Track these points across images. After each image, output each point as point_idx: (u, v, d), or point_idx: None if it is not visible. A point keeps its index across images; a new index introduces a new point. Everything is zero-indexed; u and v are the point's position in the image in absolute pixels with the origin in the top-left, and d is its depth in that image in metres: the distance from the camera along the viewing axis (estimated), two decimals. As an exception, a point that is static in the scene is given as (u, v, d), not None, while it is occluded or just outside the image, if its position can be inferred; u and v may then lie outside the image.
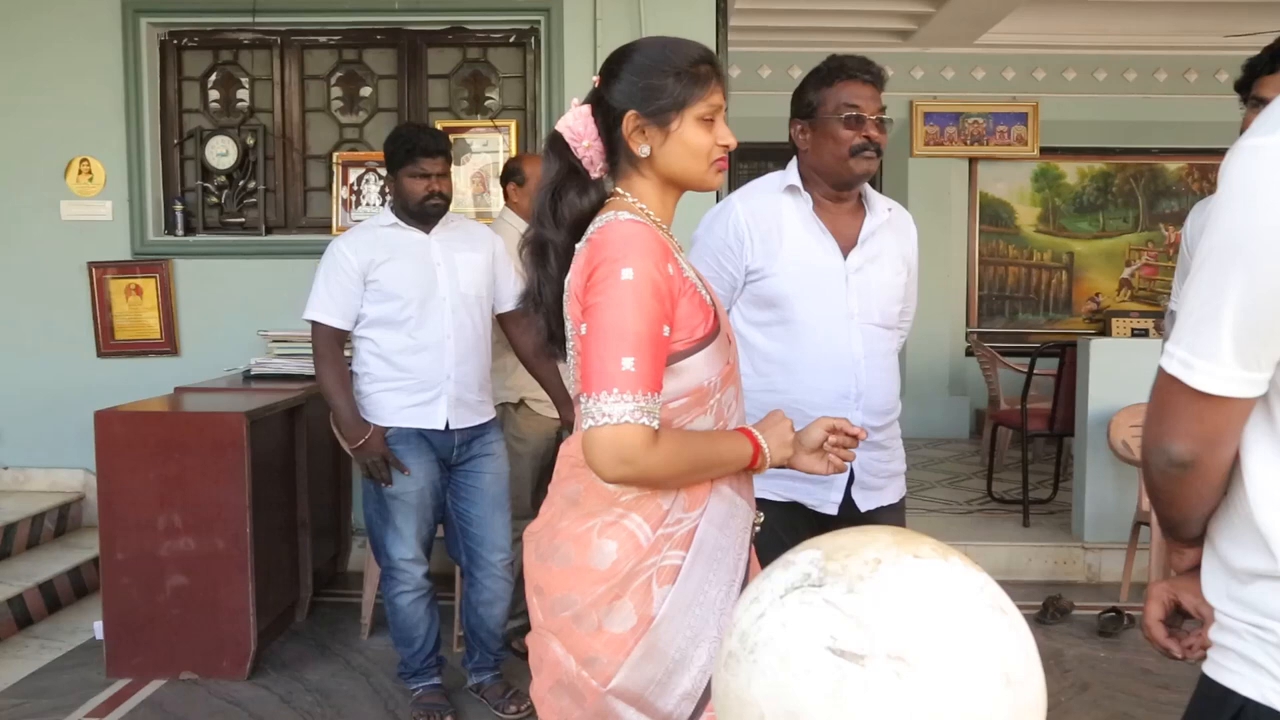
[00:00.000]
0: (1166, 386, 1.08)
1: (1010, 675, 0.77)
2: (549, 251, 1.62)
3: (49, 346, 4.71)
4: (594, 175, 1.62)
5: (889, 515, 2.44)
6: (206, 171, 4.77)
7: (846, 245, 2.33)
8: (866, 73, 2.26)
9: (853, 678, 0.75)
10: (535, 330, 1.68)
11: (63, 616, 3.94)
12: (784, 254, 2.32)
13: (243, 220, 4.82)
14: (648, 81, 1.56)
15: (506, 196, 3.75)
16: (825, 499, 2.33)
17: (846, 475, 2.33)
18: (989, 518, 5.02)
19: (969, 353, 7.22)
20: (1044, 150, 7.35)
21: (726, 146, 1.61)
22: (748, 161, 8.09)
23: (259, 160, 4.77)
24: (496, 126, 4.81)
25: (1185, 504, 1.17)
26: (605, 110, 1.58)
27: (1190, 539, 1.22)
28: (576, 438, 1.55)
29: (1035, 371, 5.09)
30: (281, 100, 4.82)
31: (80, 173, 4.68)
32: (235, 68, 4.84)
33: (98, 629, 3.50)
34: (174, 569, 3.37)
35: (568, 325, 1.59)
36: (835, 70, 2.28)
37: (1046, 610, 3.92)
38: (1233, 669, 1.11)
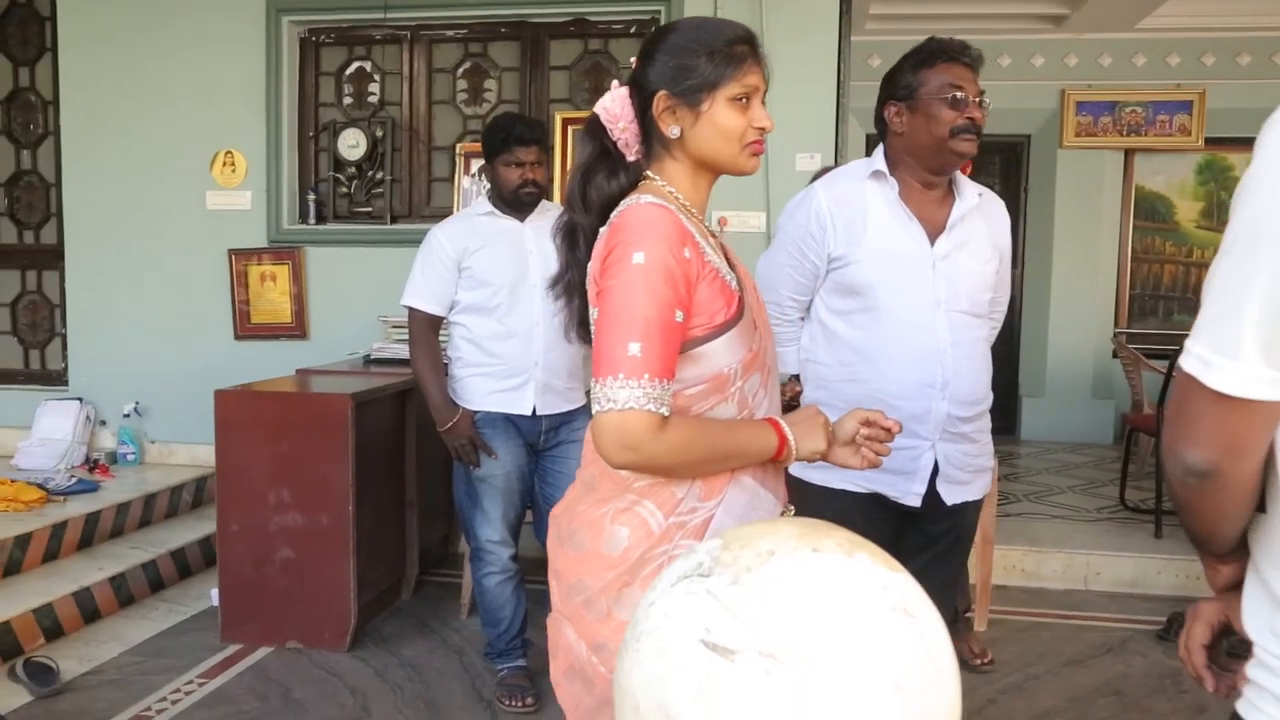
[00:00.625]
0: (1184, 387, 0.97)
1: (900, 682, 0.70)
2: (578, 235, 1.60)
3: (192, 329, 5.01)
4: (630, 158, 1.59)
5: (970, 511, 2.37)
6: (338, 162, 4.97)
7: (934, 231, 2.26)
8: (965, 55, 2.20)
9: (721, 673, 0.69)
10: (567, 314, 1.66)
11: (191, 582, 4.18)
12: (867, 241, 2.27)
13: (370, 209, 5.00)
14: (679, 61, 1.51)
15: None
16: (907, 491, 2.28)
17: (930, 466, 2.26)
18: (1119, 526, 4.70)
19: (1116, 354, 6.80)
20: (1209, 141, 6.83)
21: (762, 129, 1.55)
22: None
23: (387, 151, 4.94)
24: (615, 118, 4.81)
25: (1207, 518, 1.05)
26: (640, 91, 1.55)
27: (1222, 553, 1.10)
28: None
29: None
30: (409, 93, 4.98)
31: (224, 164, 4.95)
32: (368, 62, 5.03)
33: (214, 596, 3.70)
34: (282, 542, 3.53)
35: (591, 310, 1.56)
36: (936, 52, 2.22)
37: (1170, 626, 3.64)
38: (1268, 712, 1.00)
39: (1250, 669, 1.03)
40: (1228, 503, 1.01)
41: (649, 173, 1.58)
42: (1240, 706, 1.03)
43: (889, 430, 1.60)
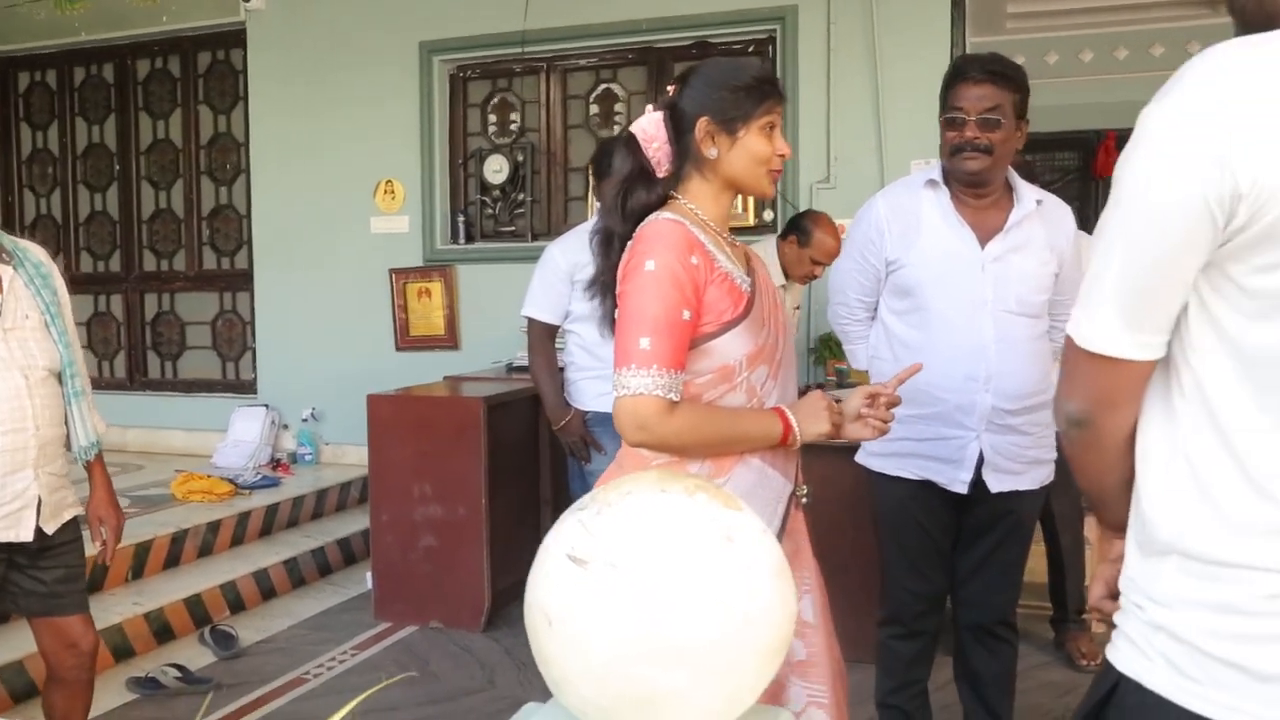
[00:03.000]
0: (1066, 346, 1.12)
1: (716, 590, 0.91)
2: (614, 241, 1.82)
3: (360, 341, 5.55)
4: (660, 174, 1.81)
5: (1026, 500, 2.45)
6: (484, 186, 5.41)
7: (987, 236, 2.38)
8: (980, 71, 2.30)
9: (577, 578, 0.93)
10: (602, 311, 1.89)
11: (354, 568, 4.67)
12: (920, 245, 2.43)
13: (513, 229, 5.42)
14: (720, 93, 1.73)
15: (780, 246, 3.93)
16: (955, 478, 2.42)
17: (976, 456, 2.38)
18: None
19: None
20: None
21: (783, 156, 1.76)
22: (1034, 152, 7.63)
23: (527, 175, 5.34)
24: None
25: (1089, 470, 1.18)
26: (678, 116, 1.76)
27: (1115, 523, 1.21)
28: None
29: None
30: (547, 120, 5.36)
31: (385, 192, 5.48)
32: (509, 93, 5.45)
33: (368, 579, 4.14)
34: (425, 531, 3.93)
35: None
36: (952, 73, 2.36)
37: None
38: (1118, 646, 1.13)
39: (1116, 615, 1.16)
40: (1104, 454, 1.14)
41: (674, 193, 1.80)
42: (1109, 651, 1.15)
43: (892, 401, 1.78)
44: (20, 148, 6.65)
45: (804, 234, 3.86)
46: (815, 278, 3.94)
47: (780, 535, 1.76)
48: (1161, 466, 1.08)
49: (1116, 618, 1.14)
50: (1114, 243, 1.05)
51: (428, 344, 5.44)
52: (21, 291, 2.30)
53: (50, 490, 2.29)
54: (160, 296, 6.34)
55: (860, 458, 2.59)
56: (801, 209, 4.68)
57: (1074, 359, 1.11)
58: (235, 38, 5.86)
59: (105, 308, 6.47)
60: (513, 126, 5.44)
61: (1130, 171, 1.04)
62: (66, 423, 2.37)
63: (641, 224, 1.74)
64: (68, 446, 2.39)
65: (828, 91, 4.75)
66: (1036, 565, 3.76)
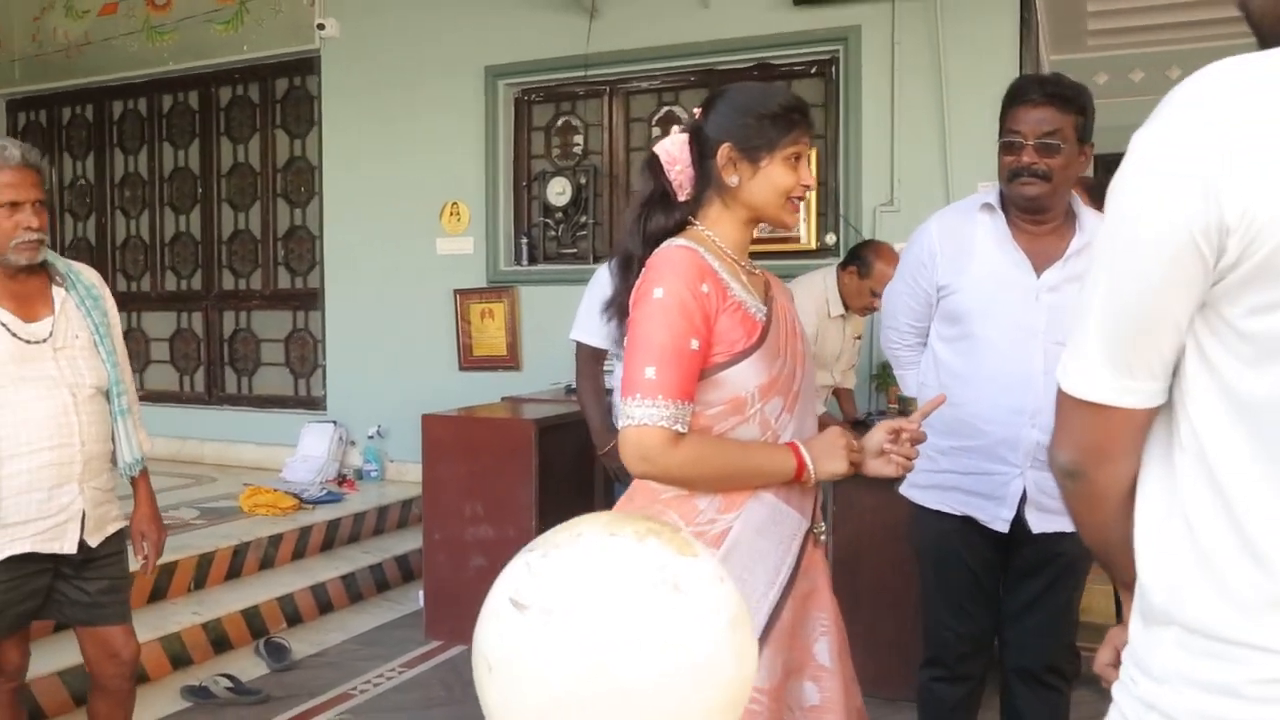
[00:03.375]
0: (1058, 393, 1.06)
1: (658, 640, 0.88)
2: (633, 264, 1.77)
3: (425, 361, 5.63)
4: (681, 198, 1.78)
5: (1076, 542, 2.32)
6: (547, 208, 5.45)
7: (1044, 264, 2.29)
8: (1040, 93, 2.20)
9: (517, 623, 0.91)
10: (618, 333, 1.85)
11: (411, 585, 4.71)
12: (971, 270, 2.35)
13: (575, 250, 5.44)
14: (744, 120, 1.69)
15: (840, 276, 3.91)
16: (996, 515, 2.33)
17: (1019, 493, 2.29)
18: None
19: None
20: None
21: (807, 186, 1.72)
22: (1117, 173, 7.35)
23: (589, 197, 5.36)
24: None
25: (1087, 525, 1.11)
26: (702, 141, 1.73)
27: (1125, 582, 1.12)
28: None
29: None
30: (609, 143, 5.38)
31: (451, 214, 5.56)
32: (573, 116, 5.49)
33: (419, 597, 4.18)
34: (475, 551, 3.95)
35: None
36: (1010, 95, 2.27)
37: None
38: (1112, 718, 1.06)
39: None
40: (1100, 508, 1.06)
41: (693, 219, 1.77)
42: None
43: (916, 437, 1.71)
44: (114, 172, 6.94)
45: (864, 265, 3.79)
46: (875, 309, 3.87)
47: (795, 573, 1.71)
48: (1157, 524, 1.01)
49: (1114, 688, 1.07)
50: (1098, 279, 0.99)
51: (490, 364, 5.50)
52: (73, 312, 2.38)
53: (95, 504, 2.36)
54: (238, 314, 6.53)
55: (903, 490, 2.51)
56: (864, 232, 4.62)
57: (1062, 406, 1.03)
58: (310, 64, 6.03)
59: (187, 324, 6.70)
60: (575, 149, 5.47)
61: (1116, 201, 0.96)
62: (113, 439, 2.44)
63: (656, 252, 1.71)
64: (114, 462, 2.46)
65: (891, 113, 4.67)
66: (1105, 606, 3.61)
